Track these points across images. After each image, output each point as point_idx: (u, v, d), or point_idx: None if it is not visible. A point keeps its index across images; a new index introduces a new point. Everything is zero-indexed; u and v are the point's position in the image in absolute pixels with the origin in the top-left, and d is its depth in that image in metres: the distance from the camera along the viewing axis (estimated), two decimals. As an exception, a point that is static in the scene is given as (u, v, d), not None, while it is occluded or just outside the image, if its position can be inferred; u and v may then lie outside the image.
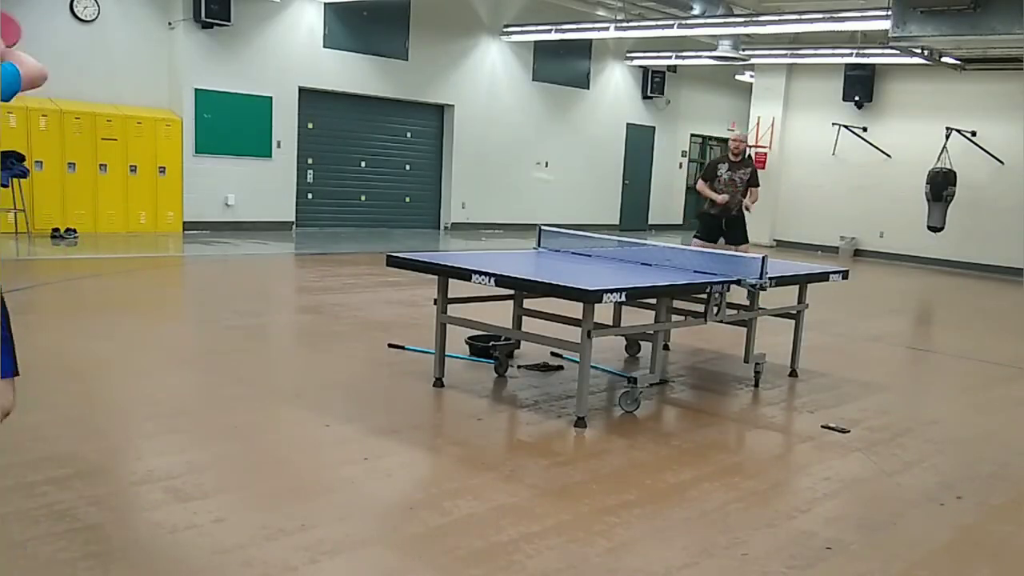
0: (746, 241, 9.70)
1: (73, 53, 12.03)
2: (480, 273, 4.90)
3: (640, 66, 19.52)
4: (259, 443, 4.36)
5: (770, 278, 5.47)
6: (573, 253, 6.52)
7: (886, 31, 10.18)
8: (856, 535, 3.64)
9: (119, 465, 3.99)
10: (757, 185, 9.61)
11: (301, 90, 14.25)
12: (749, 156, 9.83)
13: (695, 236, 9.85)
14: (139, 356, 5.97)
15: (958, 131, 15.58)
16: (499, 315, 5.75)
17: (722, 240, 9.65)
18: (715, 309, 5.40)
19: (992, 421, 5.81)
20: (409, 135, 16.27)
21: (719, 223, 9.62)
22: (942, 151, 15.42)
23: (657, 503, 3.87)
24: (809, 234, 18.03)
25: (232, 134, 13.51)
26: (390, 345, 6.41)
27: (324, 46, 14.40)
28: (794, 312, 6.36)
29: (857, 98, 17.11)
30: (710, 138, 22.36)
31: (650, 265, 5.98)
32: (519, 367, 6.03)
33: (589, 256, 6.47)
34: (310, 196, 14.96)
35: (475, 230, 16.83)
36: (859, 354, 7.81)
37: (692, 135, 21.72)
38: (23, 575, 2.89)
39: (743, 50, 15.68)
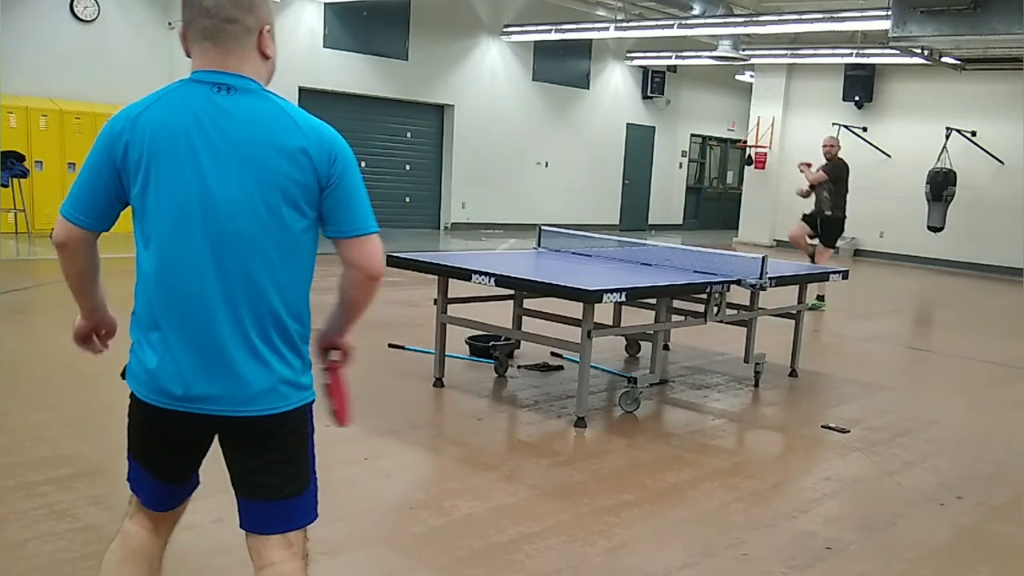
0: (831, 247, 9.95)
1: (73, 53, 12.02)
2: (480, 273, 4.90)
3: (640, 66, 19.51)
4: (259, 443, 4.36)
5: (770, 278, 5.47)
6: (573, 253, 6.52)
7: (886, 31, 10.17)
8: (856, 535, 3.64)
9: (119, 465, 3.96)
10: (828, 176, 9.83)
11: (301, 90, 14.24)
12: (842, 157, 10.10)
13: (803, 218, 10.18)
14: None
15: (958, 131, 15.56)
16: (499, 315, 5.75)
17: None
18: (715, 309, 5.40)
19: (992, 421, 5.81)
20: (409, 135, 16.27)
21: (816, 219, 10.04)
22: (942, 151, 15.42)
23: (657, 503, 3.87)
24: (809, 234, 17.99)
25: (232, 134, 13.49)
26: (390, 345, 6.41)
27: (324, 46, 14.39)
28: (794, 312, 6.36)
29: (857, 98, 17.09)
30: (710, 138, 22.35)
31: (650, 265, 5.98)
32: (519, 367, 6.03)
33: (589, 256, 6.47)
34: (310, 196, 14.94)
35: (475, 230, 16.83)
36: (859, 354, 7.81)
37: (692, 135, 21.71)
38: (23, 575, 2.89)
39: (743, 50, 15.67)
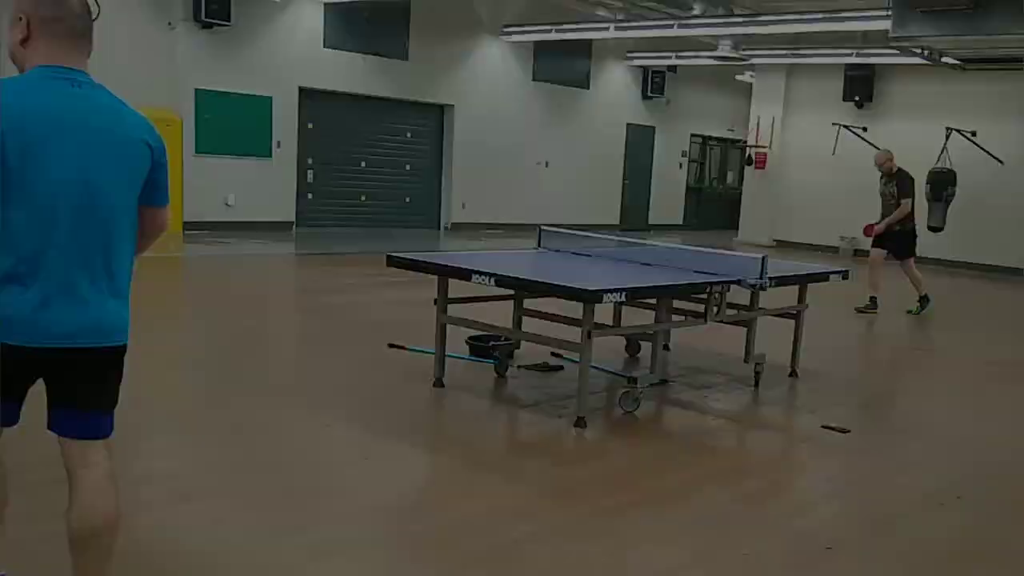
0: (905, 256, 10.08)
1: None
2: (480, 273, 4.90)
3: (640, 66, 19.51)
4: (259, 443, 4.36)
5: (770, 278, 5.46)
6: (573, 253, 6.52)
7: (886, 31, 10.17)
8: (856, 535, 3.64)
9: (119, 465, 3.96)
10: (904, 197, 9.77)
11: (301, 90, 14.24)
12: (896, 171, 9.97)
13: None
14: (139, 356, 5.94)
15: (958, 131, 15.56)
16: (499, 315, 5.75)
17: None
18: (715, 309, 5.40)
19: (992, 421, 5.80)
20: (409, 135, 16.27)
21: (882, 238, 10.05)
22: (942, 151, 15.41)
23: (657, 503, 3.87)
24: (809, 234, 18.01)
25: (232, 134, 13.50)
26: (390, 345, 6.41)
27: (324, 46, 14.38)
28: (794, 312, 6.36)
29: (857, 98, 17.09)
30: (710, 138, 22.35)
31: (650, 265, 5.98)
32: (519, 367, 6.02)
33: (589, 256, 6.48)
34: (310, 196, 14.95)
35: (475, 230, 16.83)
36: (859, 354, 7.81)
37: (692, 135, 21.71)
38: (23, 575, 2.89)
39: (743, 50, 15.66)
